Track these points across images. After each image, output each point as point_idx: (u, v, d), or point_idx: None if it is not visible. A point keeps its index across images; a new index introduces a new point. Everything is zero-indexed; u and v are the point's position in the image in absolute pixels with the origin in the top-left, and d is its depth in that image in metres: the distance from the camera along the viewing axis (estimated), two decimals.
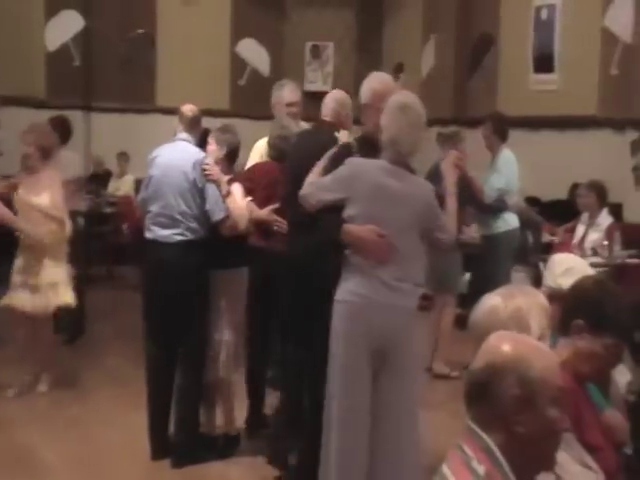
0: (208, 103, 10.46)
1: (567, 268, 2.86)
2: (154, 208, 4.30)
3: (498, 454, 1.59)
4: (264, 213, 4.39)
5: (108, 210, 9.26)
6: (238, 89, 11.08)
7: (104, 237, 9.41)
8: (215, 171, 4.25)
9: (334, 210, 3.22)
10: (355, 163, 3.27)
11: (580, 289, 2.31)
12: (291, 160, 3.95)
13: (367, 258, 3.17)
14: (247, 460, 4.40)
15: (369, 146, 3.37)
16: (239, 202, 4.26)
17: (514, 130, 7.11)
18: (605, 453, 2.17)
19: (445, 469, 1.64)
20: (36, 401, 5.30)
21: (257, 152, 4.80)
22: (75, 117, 9.97)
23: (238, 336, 4.45)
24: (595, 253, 6.01)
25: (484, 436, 1.61)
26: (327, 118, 4.01)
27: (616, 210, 6.68)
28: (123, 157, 9.68)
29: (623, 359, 3.11)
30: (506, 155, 6.13)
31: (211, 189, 4.21)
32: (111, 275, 9.33)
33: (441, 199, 3.45)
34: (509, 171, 6.08)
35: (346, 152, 3.38)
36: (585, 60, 7.98)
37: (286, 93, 4.83)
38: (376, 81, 3.52)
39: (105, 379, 5.66)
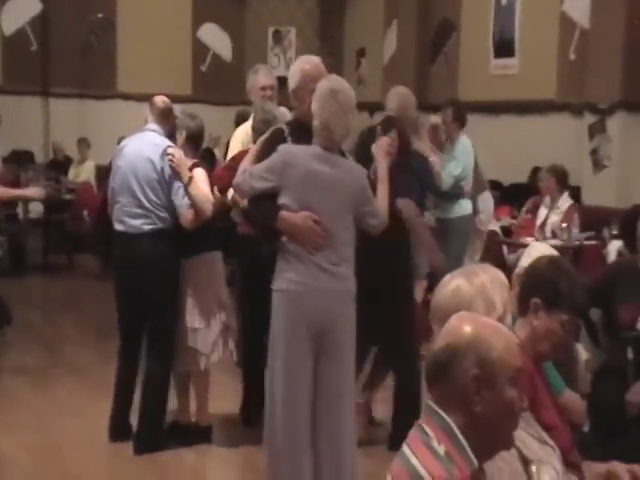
0: (170, 89, 10.32)
1: (541, 253, 2.96)
2: (123, 199, 4.29)
3: (458, 434, 1.61)
4: None
5: (68, 197, 9.12)
6: (200, 74, 11.00)
7: (63, 224, 9.27)
8: (176, 158, 4.22)
9: (267, 198, 3.22)
10: (287, 150, 3.26)
11: (536, 268, 2.36)
12: (357, 155, 3.95)
13: (303, 245, 3.19)
14: (219, 449, 4.40)
15: (302, 130, 3.36)
16: (202, 188, 4.22)
17: (475, 115, 7.17)
18: (560, 432, 2.21)
19: (406, 449, 1.65)
20: None
21: (238, 140, 4.73)
22: (33, 103, 9.87)
23: (215, 323, 4.34)
24: (554, 235, 6.11)
25: (444, 416, 1.62)
26: (392, 113, 4.22)
27: (575, 193, 6.77)
28: (84, 143, 9.55)
29: (581, 339, 3.19)
30: (464, 142, 6.19)
31: (177, 181, 4.21)
32: (71, 264, 9.20)
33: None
34: (466, 158, 6.15)
35: (279, 137, 3.38)
36: (544, 45, 8.08)
37: (260, 77, 4.82)
38: (306, 63, 3.52)
39: (65, 369, 5.59)
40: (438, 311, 1.98)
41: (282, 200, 3.20)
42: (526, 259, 3.24)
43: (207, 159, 5.74)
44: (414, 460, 1.61)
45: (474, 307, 1.94)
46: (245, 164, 3.36)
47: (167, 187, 4.23)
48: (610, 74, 6.97)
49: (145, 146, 4.30)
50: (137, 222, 4.23)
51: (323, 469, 3.27)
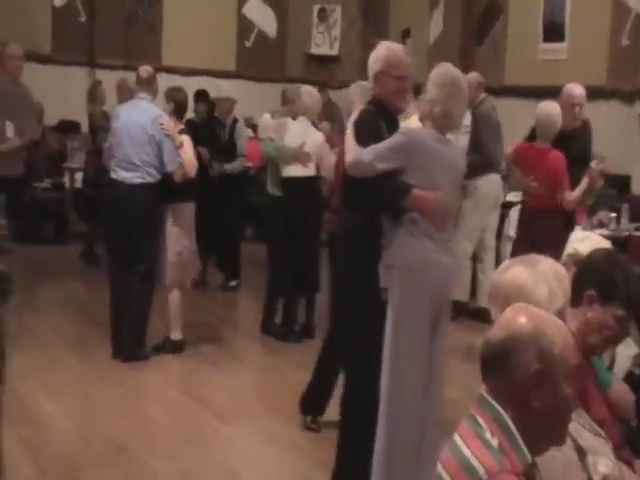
0: (214, 64, 10.38)
1: (584, 237, 2.95)
2: (118, 154, 5.18)
3: (512, 428, 1.59)
4: None
5: None
6: (244, 51, 10.97)
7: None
8: (170, 126, 5.16)
9: (390, 176, 3.26)
10: (412, 131, 3.35)
11: (592, 260, 2.33)
12: None
13: (434, 222, 3.26)
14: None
15: (384, 112, 3.44)
16: (189, 152, 5.23)
17: (521, 100, 7.07)
18: (610, 427, 2.19)
19: (457, 438, 1.65)
20: (37, 356, 5.35)
21: None
22: (80, 73, 9.94)
23: (186, 258, 5.40)
24: (602, 225, 6.02)
25: (499, 409, 1.61)
26: None
27: (624, 182, 6.65)
28: None
29: (630, 332, 3.14)
30: None
31: (167, 143, 5.13)
32: None
33: None
34: None
35: (371, 118, 3.40)
36: (595, 30, 7.89)
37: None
38: (389, 50, 3.53)
39: (105, 335, 5.68)
40: (498, 296, 1.96)
41: (405, 179, 3.25)
42: (569, 245, 3.19)
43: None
44: (465, 450, 1.60)
45: (537, 294, 1.92)
46: (352, 145, 3.34)
47: (156, 148, 5.12)
48: None
49: (138, 113, 5.18)
50: (128, 175, 5.13)
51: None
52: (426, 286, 3.26)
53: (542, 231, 5.09)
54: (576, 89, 5.36)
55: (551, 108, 5.20)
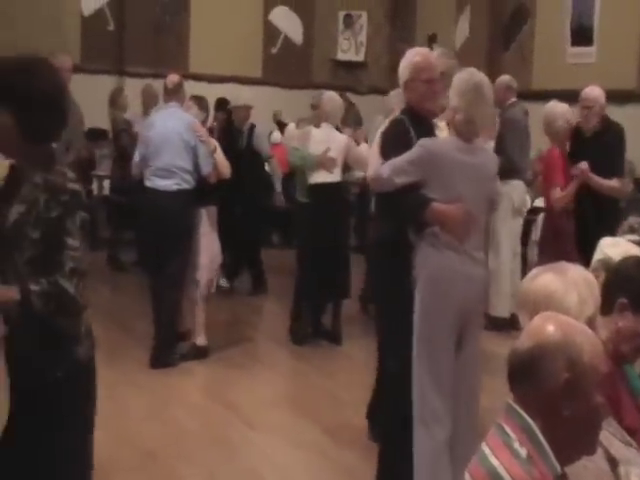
0: (241, 71, 10.45)
1: (614, 242, 2.93)
2: (154, 163, 5.28)
3: (540, 437, 1.57)
4: None
5: None
6: (271, 57, 11.02)
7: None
8: (204, 132, 5.35)
9: (412, 190, 3.24)
10: (430, 143, 3.29)
11: (623, 268, 2.30)
12: None
13: (455, 235, 3.24)
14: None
15: (418, 118, 3.43)
16: (221, 155, 5.42)
17: None
18: None
19: (485, 448, 1.63)
20: None
21: None
22: (109, 82, 10.04)
23: (214, 262, 5.50)
24: (632, 231, 5.95)
25: (527, 418, 1.59)
26: None
27: None
28: None
29: None
30: None
31: (202, 148, 5.25)
32: None
33: None
34: None
35: (401, 128, 3.39)
36: (625, 33, 7.84)
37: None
38: (415, 55, 3.53)
39: (131, 342, 5.73)
40: (527, 303, 1.96)
41: (427, 192, 3.24)
42: (599, 251, 3.16)
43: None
44: (494, 460, 1.59)
45: (567, 301, 1.91)
46: (374, 159, 3.36)
47: (192, 153, 5.24)
48: None
49: (172, 120, 5.29)
50: (166, 182, 5.24)
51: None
52: (448, 297, 3.24)
53: (548, 231, 5.05)
54: (594, 91, 5.19)
55: (554, 108, 5.14)
